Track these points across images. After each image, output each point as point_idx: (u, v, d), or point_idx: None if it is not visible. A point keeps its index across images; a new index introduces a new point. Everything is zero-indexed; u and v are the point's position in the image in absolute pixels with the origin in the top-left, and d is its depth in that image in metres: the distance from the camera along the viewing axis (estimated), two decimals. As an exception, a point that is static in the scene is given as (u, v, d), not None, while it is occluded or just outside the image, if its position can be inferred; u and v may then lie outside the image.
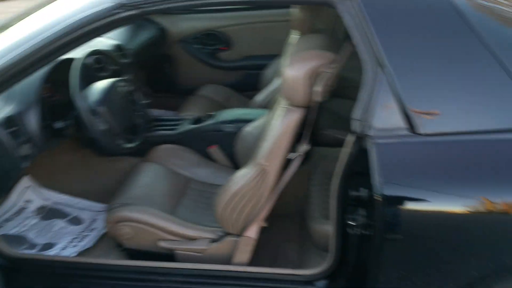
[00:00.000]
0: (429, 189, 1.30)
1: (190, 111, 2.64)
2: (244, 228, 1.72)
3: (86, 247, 2.05)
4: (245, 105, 2.71)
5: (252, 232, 1.71)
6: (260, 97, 2.54)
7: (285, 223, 2.15)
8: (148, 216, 1.82)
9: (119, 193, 1.98)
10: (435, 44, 1.34)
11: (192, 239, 1.80)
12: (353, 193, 1.43)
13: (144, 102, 2.14)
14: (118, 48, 2.43)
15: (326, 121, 2.51)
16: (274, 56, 2.73)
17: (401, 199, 1.29)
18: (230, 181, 1.70)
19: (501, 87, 1.29)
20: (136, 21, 2.76)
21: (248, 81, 3.02)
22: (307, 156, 2.23)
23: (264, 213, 1.70)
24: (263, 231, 1.78)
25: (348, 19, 1.36)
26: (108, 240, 2.05)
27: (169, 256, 1.82)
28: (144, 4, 1.49)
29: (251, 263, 1.77)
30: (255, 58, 3.06)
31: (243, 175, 1.67)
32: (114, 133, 1.87)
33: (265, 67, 2.80)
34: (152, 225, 1.80)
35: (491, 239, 1.31)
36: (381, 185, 1.27)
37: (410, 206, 1.30)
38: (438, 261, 1.37)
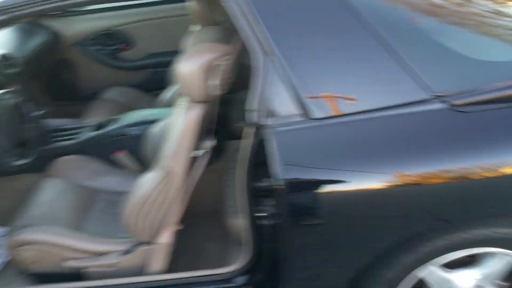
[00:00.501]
0: (335, 170, 1.31)
1: (95, 117, 2.49)
2: (156, 234, 1.64)
3: (-11, 277, 1.87)
4: (153, 105, 2.60)
5: (166, 238, 1.63)
6: (166, 95, 2.45)
7: (204, 221, 2.10)
8: (51, 236, 1.68)
9: (19, 215, 1.82)
10: (323, 31, 1.34)
11: (102, 254, 1.70)
12: (259, 184, 1.41)
13: (36, 113, 1.98)
14: (3, 57, 2.23)
15: (238, 113, 2.48)
16: (179, 52, 2.63)
17: (303, 184, 1.30)
18: (136, 187, 1.62)
19: (387, 68, 1.31)
20: (11, 26, 2.53)
21: (154, 80, 2.91)
22: (221, 151, 2.20)
23: (176, 216, 1.63)
24: (182, 233, 1.72)
25: (232, 8, 1.33)
26: (14, 266, 1.89)
27: (80, 275, 1.70)
28: (13, 8, 1.36)
29: (170, 268, 1.70)
30: (159, 55, 2.94)
31: (148, 180, 1.59)
32: (2, 150, 1.71)
33: (171, 64, 2.70)
34: (57, 245, 1.67)
35: (403, 210, 1.34)
36: (282, 173, 1.26)
37: (314, 189, 1.30)
38: (351, 239, 1.39)
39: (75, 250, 1.68)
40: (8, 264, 1.92)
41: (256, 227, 1.53)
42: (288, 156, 1.29)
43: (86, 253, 1.69)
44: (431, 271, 1.46)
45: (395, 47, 1.29)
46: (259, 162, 1.41)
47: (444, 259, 1.43)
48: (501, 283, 1.58)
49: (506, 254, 1.46)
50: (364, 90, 1.31)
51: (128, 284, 1.63)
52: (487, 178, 1.27)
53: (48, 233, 1.70)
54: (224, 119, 2.20)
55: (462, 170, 1.28)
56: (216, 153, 2.11)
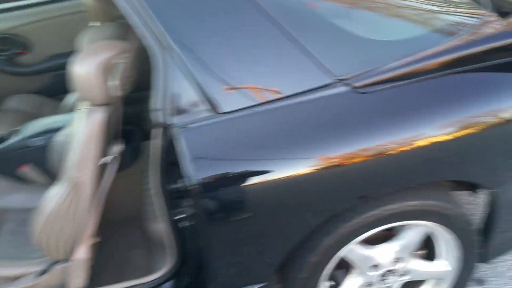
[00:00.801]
0: (251, 161, 1.28)
1: (-5, 131, 2.29)
2: (72, 250, 1.54)
3: None
4: (58, 111, 2.44)
5: (82, 253, 1.54)
6: (71, 99, 2.30)
7: (126, 229, 2.00)
8: (-46, 267, 1.53)
9: None
10: (222, 22, 1.30)
11: (16, 277, 1.57)
12: (174, 186, 1.36)
13: None
14: None
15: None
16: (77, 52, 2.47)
17: (217, 181, 1.26)
18: (42, 202, 1.50)
19: (291, 56, 1.30)
20: None
21: (57, 84, 2.71)
22: (137, 152, 2.11)
23: (90, 228, 1.54)
24: (103, 244, 1.63)
25: (122, 3, 1.24)
26: None
27: (-6, 305, 1.57)
28: None
29: (94, 283, 1.61)
30: (60, 57, 2.74)
31: (54, 194, 1.48)
32: None
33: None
34: (-38, 277, 1.53)
35: (324, 192, 1.34)
36: (194, 173, 1.22)
37: (229, 185, 1.27)
38: (275, 229, 1.38)
39: (-15, 278, 1.55)
40: None
41: (178, 229, 1.48)
42: (200, 154, 1.24)
43: (-2, 280, 1.56)
44: (351, 249, 1.49)
45: (295, 35, 1.28)
46: (171, 163, 1.35)
47: (363, 236, 1.46)
48: (418, 252, 1.66)
49: (418, 225, 1.52)
50: (272, 80, 1.29)
51: (45, 307, 1.53)
52: (398, 153, 1.30)
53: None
54: (138, 119, 2.11)
55: (379, 147, 1.29)
56: (132, 156, 2.02)
